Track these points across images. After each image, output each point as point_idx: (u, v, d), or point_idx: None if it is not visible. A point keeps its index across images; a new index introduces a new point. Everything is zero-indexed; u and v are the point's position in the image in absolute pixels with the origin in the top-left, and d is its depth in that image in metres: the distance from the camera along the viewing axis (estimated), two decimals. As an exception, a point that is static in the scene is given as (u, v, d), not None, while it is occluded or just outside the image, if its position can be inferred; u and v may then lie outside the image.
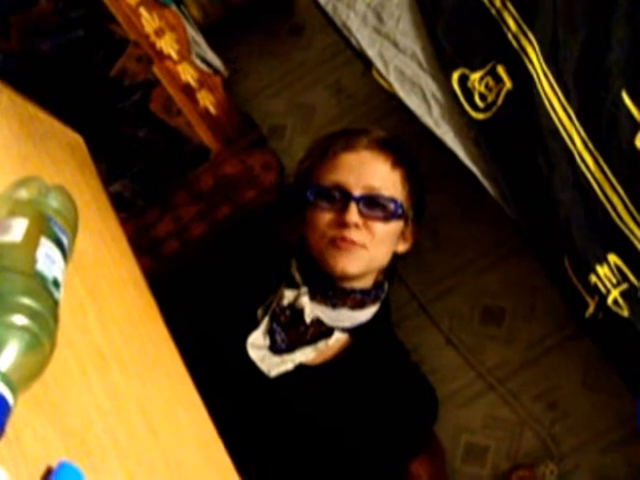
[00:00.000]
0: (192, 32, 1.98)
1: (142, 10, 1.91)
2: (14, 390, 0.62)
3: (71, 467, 0.69)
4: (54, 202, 0.84)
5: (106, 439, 0.81)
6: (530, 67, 1.48)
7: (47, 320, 0.68)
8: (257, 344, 1.54)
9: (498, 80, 1.52)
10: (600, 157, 1.46)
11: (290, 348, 1.54)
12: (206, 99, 1.97)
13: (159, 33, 1.92)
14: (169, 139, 1.95)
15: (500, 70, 1.51)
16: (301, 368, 1.54)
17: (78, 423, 0.78)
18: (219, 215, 1.91)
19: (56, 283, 0.73)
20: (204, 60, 1.99)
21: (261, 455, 1.49)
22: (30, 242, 0.74)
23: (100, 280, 1.03)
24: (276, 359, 1.53)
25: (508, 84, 1.50)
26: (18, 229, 0.75)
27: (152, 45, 1.92)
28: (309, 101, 2.07)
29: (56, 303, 0.72)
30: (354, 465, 1.52)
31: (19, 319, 0.65)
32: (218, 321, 1.57)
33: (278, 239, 1.81)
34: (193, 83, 1.95)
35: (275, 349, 1.54)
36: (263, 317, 1.57)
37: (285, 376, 1.53)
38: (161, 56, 1.92)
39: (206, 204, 1.92)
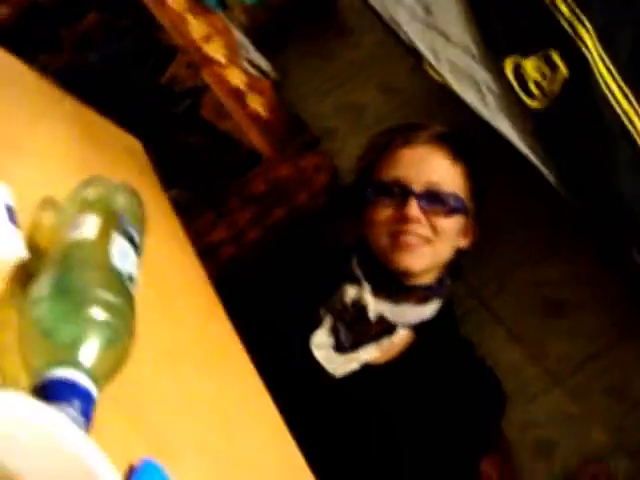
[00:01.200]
0: (240, 36, 1.98)
1: (189, 17, 1.91)
2: (97, 385, 0.62)
3: (154, 465, 0.68)
4: (121, 199, 0.84)
5: (183, 438, 0.81)
6: (586, 52, 1.45)
7: (126, 314, 0.67)
8: (321, 343, 1.53)
9: (553, 67, 1.49)
10: (665, 142, 1.43)
11: (354, 346, 1.52)
12: (256, 103, 1.97)
13: (207, 39, 1.92)
14: (221, 144, 1.95)
15: (555, 56, 1.49)
16: (367, 367, 1.53)
17: (157, 422, 0.77)
18: (273, 218, 1.91)
19: (131, 278, 0.73)
20: (253, 64, 2.00)
21: (329, 456, 1.48)
22: (103, 238, 0.74)
23: (167, 280, 1.03)
24: (341, 358, 1.52)
25: (564, 71, 1.48)
26: (90, 226, 0.75)
27: (200, 51, 1.92)
28: (359, 101, 2.06)
29: (133, 298, 0.71)
30: (424, 465, 1.50)
31: (99, 314, 0.64)
32: (280, 323, 1.56)
33: (336, 238, 1.79)
34: (242, 87, 1.95)
35: (339, 348, 1.52)
36: (325, 316, 1.55)
37: (351, 376, 1.52)
38: (210, 61, 1.93)
39: (260, 208, 1.92)
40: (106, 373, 0.64)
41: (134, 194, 0.89)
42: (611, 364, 1.73)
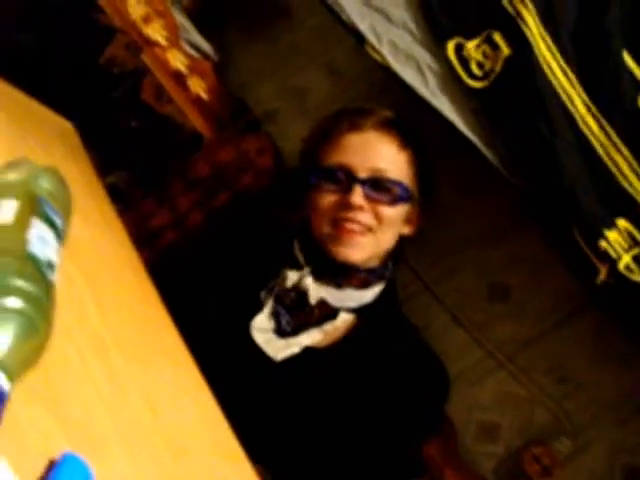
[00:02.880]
0: (180, 18, 1.95)
1: (128, -3, 1.87)
2: (10, 376, 0.59)
3: (75, 458, 0.66)
4: (45, 183, 0.81)
5: (109, 426, 0.78)
6: (527, 32, 1.45)
7: (42, 302, 0.65)
8: (262, 327, 1.51)
9: (495, 47, 1.48)
10: (603, 119, 1.43)
11: (296, 331, 1.51)
12: (197, 85, 1.94)
13: (146, 20, 1.89)
14: (162, 128, 1.92)
15: (497, 37, 1.48)
16: (308, 351, 1.51)
17: (79, 412, 0.75)
18: (217, 202, 1.89)
19: (50, 265, 0.70)
20: (193, 46, 1.96)
21: (269, 439, 1.47)
22: (21, 223, 0.71)
23: (97, 266, 1.00)
24: (282, 342, 1.50)
25: (506, 51, 1.47)
26: (8, 210, 0.72)
27: (140, 32, 1.89)
28: (302, 83, 2.04)
29: (51, 285, 0.69)
30: (366, 447, 1.49)
31: (13, 302, 0.62)
32: (221, 306, 1.54)
33: (278, 221, 1.77)
34: (183, 69, 1.92)
35: (280, 332, 1.51)
36: (267, 300, 1.54)
37: (292, 359, 1.50)
38: (149, 43, 1.89)
39: (203, 192, 1.90)
40: (20, 364, 0.62)
41: (59, 178, 0.86)
42: (554, 346, 1.74)
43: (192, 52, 1.96)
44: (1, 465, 0.55)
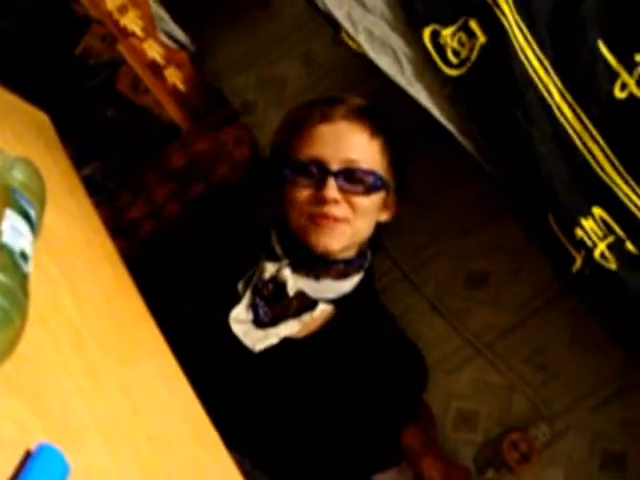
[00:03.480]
0: (156, 7, 1.94)
1: (103, -13, 1.86)
2: (-16, 368, 0.59)
3: (51, 449, 0.66)
4: (19, 174, 0.80)
5: (87, 418, 0.78)
6: (503, 19, 1.45)
7: (16, 294, 0.64)
8: (240, 319, 1.51)
9: (471, 35, 1.48)
10: (579, 108, 1.43)
11: (274, 322, 1.51)
12: (174, 76, 1.93)
13: (122, 10, 1.88)
14: (138, 119, 1.91)
15: (473, 24, 1.48)
16: (286, 341, 1.51)
17: (56, 403, 0.74)
18: (193, 193, 1.88)
19: (24, 256, 0.70)
20: (170, 36, 1.96)
21: (249, 430, 1.47)
22: (-6, 214, 0.71)
23: (72, 257, 1.00)
24: (260, 333, 1.50)
25: (482, 39, 1.47)
26: (-20, 202, 0.71)
27: (116, 23, 1.88)
28: (279, 73, 2.03)
29: (25, 277, 0.68)
30: (345, 437, 1.50)
31: (-15, 293, 0.61)
32: (199, 298, 1.54)
33: (254, 212, 1.77)
34: (160, 60, 1.91)
35: (258, 323, 1.51)
36: (245, 291, 1.53)
37: (270, 350, 1.50)
38: (125, 34, 1.89)
39: (179, 183, 1.89)
40: (-6, 356, 0.61)
41: (33, 169, 0.85)
42: (531, 334, 1.74)
43: (169, 42, 1.95)
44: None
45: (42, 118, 1.35)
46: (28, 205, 0.77)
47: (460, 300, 1.79)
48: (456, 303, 1.79)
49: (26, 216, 0.75)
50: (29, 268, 0.71)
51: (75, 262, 1.00)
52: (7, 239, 0.68)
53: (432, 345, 1.73)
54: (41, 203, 0.82)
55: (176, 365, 1.07)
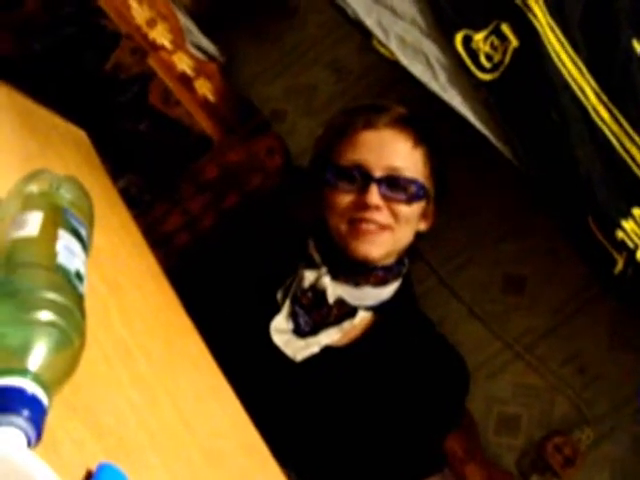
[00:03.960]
0: (184, 20, 1.95)
1: (131, 2, 1.87)
2: (48, 391, 0.59)
3: (112, 467, 0.66)
4: (67, 193, 0.80)
5: (142, 435, 0.78)
6: (535, 22, 1.44)
7: (74, 314, 0.64)
8: (280, 328, 1.51)
9: (503, 39, 1.48)
10: (615, 109, 1.43)
11: (314, 330, 1.51)
12: (204, 87, 1.94)
13: (151, 24, 1.89)
14: (170, 131, 1.92)
15: (504, 28, 1.48)
16: (327, 350, 1.51)
17: (113, 421, 0.75)
18: (227, 204, 1.89)
19: (79, 276, 0.70)
20: (199, 48, 1.96)
21: (292, 441, 1.46)
22: (48, 235, 0.71)
23: (118, 274, 1.00)
24: (301, 343, 1.50)
25: (514, 42, 1.47)
26: (33, 223, 0.71)
27: (145, 36, 1.89)
28: (308, 81, 2.03)
29: (81, 297, 0.68)
30: (388, 444, 1.49)
31: (45, 315, 0.61)
32: (237, 309, 1.54)
33: (291, 220, 1.77)
34: (190, 72, 1.92)
35: (299, 332, 1.50)
36: (284, 300, 1.53)
37: (312, 359, 1.50)
38: (155, 47, 1.89)
39: (213, 194, 1.90)
40: (57, 377, 0.61)
41: (80, 187, 0.86)
42: (570, 336, 1.73)
43: (198, 54, 1.96)
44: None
45: (80, 134, 1.36)
46: (79, 224, 0.77)
47: (497, 304, 1.79)
48: (494, 307, 1.79)
49: (77, 235, 0.75)
50: (84, 288, 0.71)
51: (120, 278, 1.01)
52: (62, 260, 0.68)
53: (471, 350, 1.72)
54: (90, 222, 0.83)
55: (222, 378, 1.07)
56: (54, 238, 0.71)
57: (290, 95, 2.02)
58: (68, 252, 0.70)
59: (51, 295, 0.63)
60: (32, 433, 0.56)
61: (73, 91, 1.82)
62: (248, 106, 1.98)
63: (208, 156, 1.91)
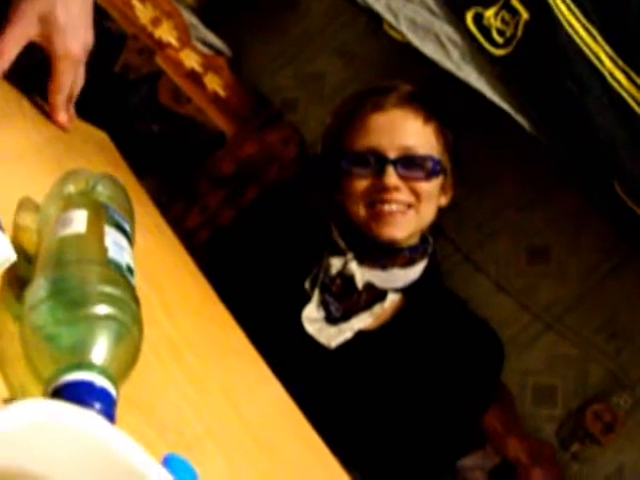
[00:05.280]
0: (188, 16, 1.94)
1: (134, 1, 1.87)
2: (115, 383, 0.59)
3: (179, 459, 0.66)
4: (105, 190, 0.80)
5: (199, 426, 0.78)
6: (546, -7, 1.44)
7: (130, 306, 0.64)
8: (312, 317, 1.51)
9: (514, 13, 1.47)
10: (632, 72, 1.42)
11: (346, 316, 1.51)
12: (213, 82, 1.94)
13: (155, 22, 1.89)
14: (183, 129, 1.92)
15: (514, 2, 1.47)
16: (360, 335, 1.51)
17: (170, 415, 0.75)
18: (246, 198, 1.89)
19: (130, 269, 0.70)
20: (205, 43, 1.96)
21: (331, 426, 1.46)
22: (95, 231, 0.71)
23: (156, 270, 1.00)
24: (334, 329, 1.50)
25: (525, 15, 1.46)
26: (79, 220, 0.71)
27: (151, 36, 1.89)
28: (317, 69, 2.03)
29: (134, 289, 0.68)
30: (427, 424, 1.49)
31: (103, 309, 0.61)
32: (268, 301, 1.54)
33: (312, 209, 1.77)
34: (198, 68, 1.92)
35: (331, 320, 1.51)
36: (313, 289, 1.53)
37: (346, 345, 1.50)
38: (162, 45, 1.89)
39: (231, 189, 1.90)
40: (121, 369, 0.61)
41: (116, 184, 0.86)
42: (600, 302, 1.72)
43: (204, 49, 1.96)
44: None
45: (102, 136, 1.36)
46: (122, 220, 0.77)
47: (524, 276, 1.78)
48: (520, 279, 1.78)
49: (122, 230, 0.75)
50: (135, 281, 0.71)
51: (160, 276, 1.01)
52: (113, 255, 0.68)
53: (502, 324, 1.71)
54: (131, 217, 0.83)
55: (266, 368, 1.07)
56: (102, 234, 0.71)
57: (300, 84, 2.02)
58: (117, 247, 0.70)
59: (107, 289, 0.63)
60: (107, 426, 0.55)
61: (83, 95, 1.82)
62: (259, 98, 1.98)
63: (223, 151, 1.91)
